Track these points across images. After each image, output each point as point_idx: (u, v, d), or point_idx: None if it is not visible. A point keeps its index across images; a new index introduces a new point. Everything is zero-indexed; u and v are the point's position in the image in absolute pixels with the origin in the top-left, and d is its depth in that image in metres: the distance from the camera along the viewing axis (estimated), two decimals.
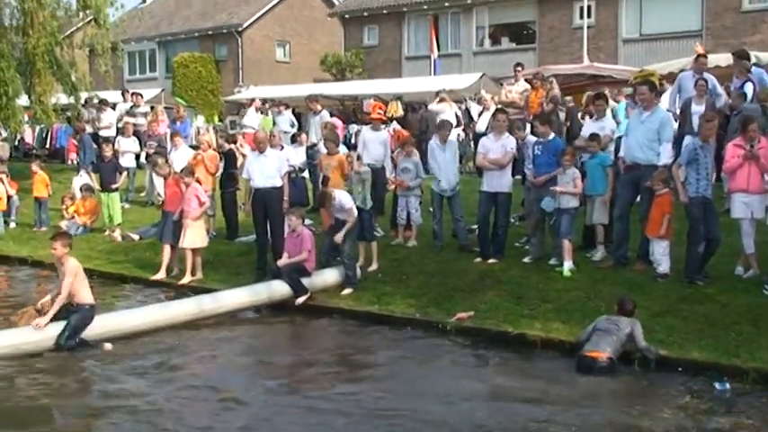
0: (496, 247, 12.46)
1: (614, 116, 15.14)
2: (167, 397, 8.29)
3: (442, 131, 13.50)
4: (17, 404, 8.13)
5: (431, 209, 13.73)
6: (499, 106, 16.95)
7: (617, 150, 12.41)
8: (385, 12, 37.05)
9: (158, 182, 18.64)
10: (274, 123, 22.47)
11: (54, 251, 10.14)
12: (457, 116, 20.59)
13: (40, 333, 9.57)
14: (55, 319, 9.72)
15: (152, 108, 24.98)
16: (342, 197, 12.09)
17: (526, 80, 18.12)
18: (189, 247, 13.10)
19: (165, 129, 21.88)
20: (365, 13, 37.81)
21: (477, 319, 10.28)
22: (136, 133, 22.09)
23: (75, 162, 24.13)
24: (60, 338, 9.59)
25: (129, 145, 20.40)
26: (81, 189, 17.79)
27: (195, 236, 13.08)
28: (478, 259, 12.42)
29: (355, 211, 12.03)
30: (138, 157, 21.18)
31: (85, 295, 10.03)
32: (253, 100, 27.07)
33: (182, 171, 13.70)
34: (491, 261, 12.27)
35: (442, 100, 20.95)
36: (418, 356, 9.53)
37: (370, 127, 14.95)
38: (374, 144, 14.40)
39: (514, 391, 8.30)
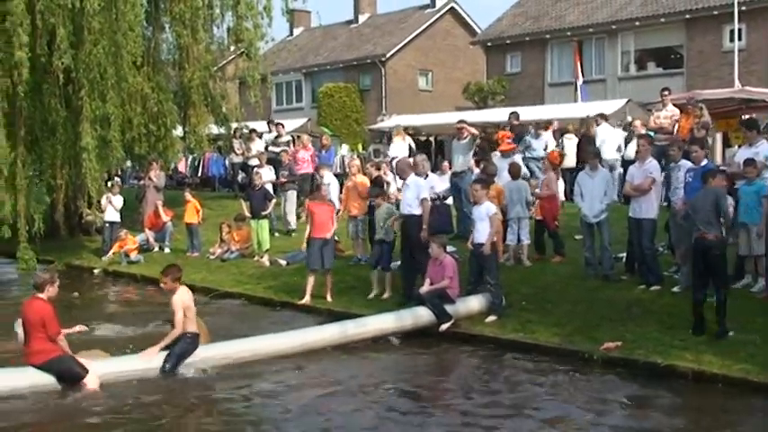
0: (651, 275, 12.14)
1: None
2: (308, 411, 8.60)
3: (592, 159, 13.33)
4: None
5: (576, 237, 13.50)
6: (646, 131, 16.61)
7: None
8: (527, 39, 36.79)
9: (290, 211, 19.15)
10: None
11: (164, 285, 10.16)
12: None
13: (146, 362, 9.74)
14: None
15: (293, 138, 25.63)
16: (490, 204, 12.19)
17: (676, 105, 17.65)
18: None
19: (308, 157, 21.85)
20: (507, 41, 37.62)
21: (624, 350, 10.02)
22: (276, 162, 22.51)
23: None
24: (163, 367, 9.67)
25: (266, 174, 20.45)
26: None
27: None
28: (641, 286, 12.14)
29: (498, 220, 12.16)
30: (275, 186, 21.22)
31: (188, 326, 9.90)
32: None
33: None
34: (641, 287, 12.03)
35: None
36: (564, 389, 9.37)
37: (500, 155, 15.12)
38: (505, 172, 14.71)
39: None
